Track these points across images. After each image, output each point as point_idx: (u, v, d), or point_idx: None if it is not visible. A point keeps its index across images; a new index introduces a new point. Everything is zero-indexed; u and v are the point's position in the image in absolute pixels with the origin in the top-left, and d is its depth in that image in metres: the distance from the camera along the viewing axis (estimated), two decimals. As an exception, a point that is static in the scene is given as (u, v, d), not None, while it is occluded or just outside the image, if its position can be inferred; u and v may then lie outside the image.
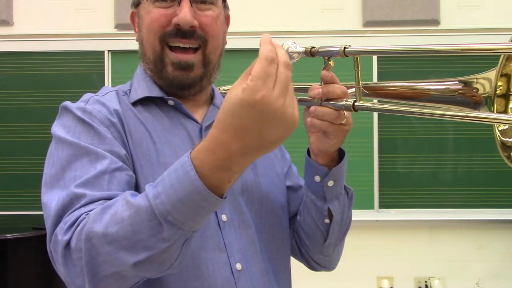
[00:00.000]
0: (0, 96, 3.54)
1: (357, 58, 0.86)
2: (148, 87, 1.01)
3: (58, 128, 0.91)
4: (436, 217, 3.44)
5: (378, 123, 3.44)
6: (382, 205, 3.48)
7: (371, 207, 3.44)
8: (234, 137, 0.66)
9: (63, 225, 0.77)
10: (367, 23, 3.49)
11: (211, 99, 1.08)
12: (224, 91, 1.16)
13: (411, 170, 3.51)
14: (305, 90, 1.04)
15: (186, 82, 0.99)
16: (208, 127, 1.00)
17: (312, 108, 0.90)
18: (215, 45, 1.01)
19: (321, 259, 1.08)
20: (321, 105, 0.90)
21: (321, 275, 3.47)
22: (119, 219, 0.72)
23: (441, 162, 3.51)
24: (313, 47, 0.89)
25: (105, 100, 0.96)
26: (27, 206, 3.42)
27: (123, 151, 0.89)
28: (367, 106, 0.86)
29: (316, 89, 0.90)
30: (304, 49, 0.90)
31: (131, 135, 0.93)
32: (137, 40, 1.05)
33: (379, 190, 3.46)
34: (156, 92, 1.00)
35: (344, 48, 0.85)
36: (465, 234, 3.48)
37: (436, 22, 3.47)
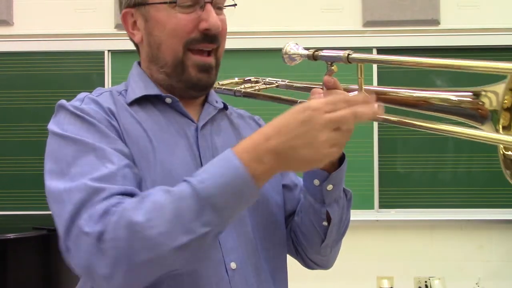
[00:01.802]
0: (0, 96, 3.55)
1: (360, 65, 0.86)
2: (146, 86, 1.01)
3: (57, 126, 0.91)
4: (436, 217, 3.44)
5: (378, 123, 3.44)
6: (382, 205, 3.48)
7: (371, 207, 3.44)
8: (275, 131, 0.76)
9: (88, 217, 0.78)
10: (367, 23, 3.49)
11: (205, 97, 1.08)
12: (224, 87, 1.16)
13: (411, 170, 3.51)
14: (307, 89, 1.03)
15: (209, 84, 1.02)
16: (204, 126, 1.01)
17: None
18: (223, 48, 1.04)
19: (318, 259, 1.08)
20: None
21: (321, 275, 3.47)
22: (161, 205, 0.76)
23: (441, 162, 3.51)
24: (316, 51, 0.89)
25: (99, 100, 0.96)
26: (27, 206, 3.42)
27: (126, 149, 0.90)
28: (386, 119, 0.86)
29: (318, 94, 0.90)
30: (307, 52, 0.90)
31: (128, 134, 0.93)
32: (138, 42, 1.03)
33: (379, 190, 3.46)
34: (153, 90, 1.01)
35: (348, 55, 0.85)
36: (465, 234, 3.49)
37: (436, 22, 3.47)
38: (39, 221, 2.77)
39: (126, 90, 1.02)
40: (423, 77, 3.39)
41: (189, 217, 0.75)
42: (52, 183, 0.86)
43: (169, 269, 0.78)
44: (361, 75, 0.87)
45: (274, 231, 1.03)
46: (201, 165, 0.96)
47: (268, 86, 1.13)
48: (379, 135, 3.47)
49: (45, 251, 2.62)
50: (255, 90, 1.11)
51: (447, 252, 3.48)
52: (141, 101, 0.99)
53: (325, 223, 1.00)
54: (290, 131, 0.75)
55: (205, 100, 1.07)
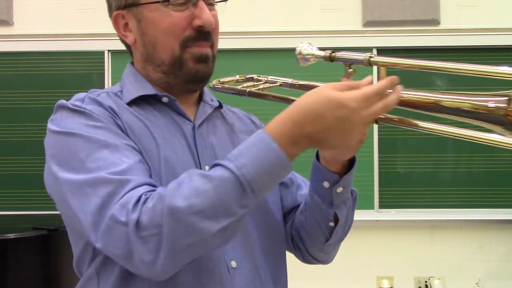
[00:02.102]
0: (0, 96, 3.55)
1: (382, 69, 0.84)
2: (141, 86, 1.01)
3: (60, 124, 0.91)
4: (436, 217, 3.44)
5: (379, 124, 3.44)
6: (382, 205, 3.48)
7: (371, 207, 3.44)
8: (310, 121, 0.78)
9: (121, 207, 0.79)
10: (367, 23, 3.49)
11: (199, 96, 1.09)
12: (226, 85, 1.15)
13: (411, 170, 3.51)
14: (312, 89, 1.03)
15: (208, 74, 1.02)
16: (200, 125, 1.02)
17: None
18: (217, 42, 1.04)
19: (319, 256, 1.08)
20: None
21: (321, 275, 3.45)
22: (202, 190, 0.77)
23: (441, 162, 3.51)
24: (333, 52, 0.89)
25: (100, 99, 0.96)
26: (27, 206, 3.42)
27: (135, 145, 0.91)
28: (390, 118, 0.85)
29: None
30: (323, 53, 0.89)
31: (132, 131, 0.94)
32: (131, 43, 1.03)
33: (379, 190, 3.46)
34: (150, 90, 1.01)
35: (369, 57, 0.84)
36: (465, 234, 3.49)
37: (436, 22, 3.47)
38: (39, 221, 2.77)
39: (121, 91, 1.02)
40: (423, 78, 3.38)
41: (230, 202, 0.78)
42: (68, 178, 0.86)
43: (208, 250, 0.83)
44: (384, 78, 0.83)
45: (273, 229, 1.03)
46: (200, 164, 0.97)
47: (271, 85, 1.12)
48: (379, 135, 3.47)
49: (45, 251, 2.62)
50: (258, 89, 1.10)
51: (447, 252, 3.48)
52: (138, 101, 0.99)
53: (331, 224, 1.00)
54: (325, 124, 0.77)
55: (200, 99, 1.07)
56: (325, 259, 1.10)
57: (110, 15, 1.05)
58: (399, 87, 0.80)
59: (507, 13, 3.46)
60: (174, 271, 0.82)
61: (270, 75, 1.13)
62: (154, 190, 0.82)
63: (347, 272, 3.40)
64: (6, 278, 2.56)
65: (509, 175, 3.46)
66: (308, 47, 0.92)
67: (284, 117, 0.80)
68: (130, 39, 1.03)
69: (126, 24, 1.03)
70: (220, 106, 1.11)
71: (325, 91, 0.79)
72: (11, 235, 2.55)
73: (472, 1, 3.48)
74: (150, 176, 0.89)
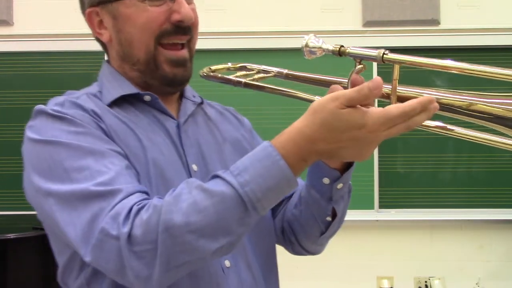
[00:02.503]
0: (0, 96, 3.55)
1: (396, 66, 0.79)
2: (121, 86, 0.97)
3: (40, 132, 0.86)
4: (436, 217, 3.44)
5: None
6: (382, 205, 3.47)
7: (371, 207, 3.44)
8: (323, 139, 0.74)
9: (111, 220, 0.75)
10: (367, 23, 3.49)
11: (180, 92, 1.06)
12: (218, 73, 1.10)
13: (411, 170, 3.51)
14: (311, 81, 0.98)
15: (187, 77, 0.99)
16: (185, 122, 0.99)
17: None
18: (196, 39, 1.00)
19: (312, 247, 1.08)
20: None
21: (320, 275, 3.45)
22: (201, 207, 0.74)
23: (441, 162, 3.51)
24: (342, 46, 0.85)
25: (80, 102, 0.92)
26: (27, 206, 3.37)
27: (121, 150, 0.88)
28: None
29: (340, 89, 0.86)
30: (332, 46, 0.86)
31: (117, 134, 0.90)
32: (106, 41, 1.00)
33: (379, 190, 3.46)
34: (131, 89, 0.97)
35: (383, 54, 0.79)
36: (465, 234, 3.48)
37: (436, 22, 3.47)
38: (39, 221, 2.77)
39: (100, 92, 0.98)
40: (424, 77, 3.38)
41: (231, 221, 0.75)
42: (54, 190, 0.82)
43: (203, 264, 0.81)
44: (396, 77, 0.81)
45: (262, 225, 1.02)
46: (187, 163, 0.95)
47: (265, 75, 1.07)
48: (379, 135, 3.46)
49: (45, 251, 2.61)
50: (253, 80, 1.05)
51: (447, 252, 3.48)
52: (119, 101, 0.96)
53: (328, 218, 0.99)
54: (339, 141, 0.74)
55: (182, 95, 1.04)
56: (317, 251, 1.09)
57: (83, 12, 1.01)
58: (433, 107, 0.73)
59: (507, 13, 3.46)
60: (170, 283, 0.79)
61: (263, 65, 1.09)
62: (146, 199, 0.79)
63: (347, 272, 3.40)
64: (6, 278, 2.56)
65: (509, 175, 3.46)
66: (314, 40, 0.90)
67: (294, 132, 0.76)
68: (105, 37, 0.99)
69: (101, 22, 0.99)
70: (202, 101, 1.08)
71: (344, 109, 0.73)
72: (11, 235, 2.55)
73: (472, 1, 3.48)
74: (139, 181, 0.86)
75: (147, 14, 0.93)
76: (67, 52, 3.52)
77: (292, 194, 1.10)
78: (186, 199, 0.75)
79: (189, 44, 0.98)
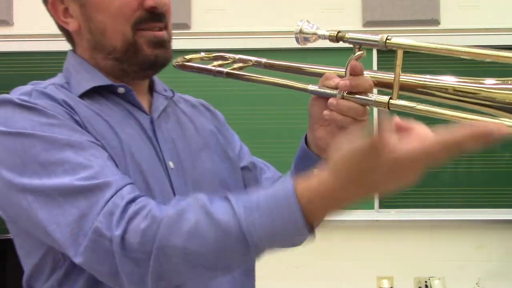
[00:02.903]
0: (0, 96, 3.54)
1: (400, 52, 0.76)
2: (93, 77, 0.92)
3: (7, 124, 0.79)
4: (436, 217, 3.44)
5: (378, 123, 3.44)
6: (382, 205, 3.47)
7: (371, 207, 3.44)
8: (354, 195, 0.66)
9: (105, 219, 0.71)
10: (367, 23, 3.49)
11: (149, 86, 1.01)
12: (195, 65, 1.05)
13: (411, 170, 3.51)
14: (291, 70, 0.95)
15: (167, 59, 0.94)
16: (158, 118, 0.95)
17: (333, 100, 0.83)
18: (170, 25, 0.96)
19: None
20: (343, 98, 0.83)
21: (320, 275, 3.45)
22: (203, 237, 0.68)
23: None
24: (340, 31, 0.81)
25: (49, 92, 0.86)
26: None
27: (99, 142, 0.82)
28: (405, 105, 0.76)
29: (343, 80, 0.82)
30: (328, 32, 0.82)
31: (92, 126, 0.84)
32: (74, 30, 0.95)
33: (379, 190, 3.46)
34: (104, 81, 0.92)
35: (386, 39, 0.76)
36: (465, 234, 3.48)
37: (436, 22, 3.47)
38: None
39: (68, 83, 0.92)
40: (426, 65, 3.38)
41: (231, 259, 0.71)
42: (31, 185, 0.75)
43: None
44: (399, 62, 0.77)
45: None
46: (164, 159, 0.91)
47: (243, 64, 1.01)
48: (379, 135, 3.46)
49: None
50: (232, 69, 1.00)
51: (447, 252, 3.48)
52: (90, 93, 0.90)
53: None
54: (373, 184, 0.65)
55: (152, 89, 1.01)
56: None
57: (45, 1, 0.96)
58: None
59: (507, 13, 3.46)
60: None
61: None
62: (140, 195, 0.75)
63: (347, 272, 3.40)
64: (6, 278, 2.56)
65: (509, 175, 3.46)
66: (308, 25, 0.85)
67: (329, 175, 0.66)
68: (72, 26, 0.94)
69: (66, 10, 0.93)
70: (173, 95, 1.05)
71: (386, 151, 0.63)
72: (11, 235, 2.55)
73: (472, 1, 3.48)
74: None
75: (118, 0, 0.89)
76: (67, 52, 3.51)
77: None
78: (188, 222, 0.69)
79: (166, 28, 0.94)
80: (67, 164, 0.75)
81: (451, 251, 3.48)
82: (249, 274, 1.01)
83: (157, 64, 0.93)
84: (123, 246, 0.70)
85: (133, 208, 0.72)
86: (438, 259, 3.46)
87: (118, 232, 0.70)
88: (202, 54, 1.09)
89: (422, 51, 0.75)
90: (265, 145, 3.24)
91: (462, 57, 0.72)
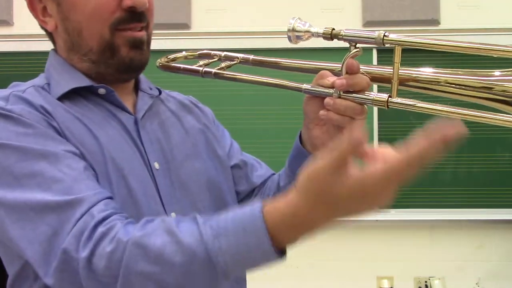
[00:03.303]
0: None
1: (398, 48, 0.73)
2: (72, 77, 0.89)
3: None
4: (436, 217, 3.44)
5: (378, 123, 3.44)
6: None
7: (371, 207, 3.44)
8: (322, 216, 0.64)
9: (74, 239, 0.70)
10: (367, 23, 3.49)
11: (135, 84, 0.99)
12: (181, 67, 1.01)
13: (411, 170, 3.51)
14: (279, 67, 0.92)
15: (144, 61, 0.91)
16: (142, 118, 0.93)
17: (329, 100, 0.81)
18: (151, 25, 0.94)
19: None
20: (340, 97, 0.81)
21: (320, 275, 3.45)
22: (169, 263, 0.67)
23: (441, 162, 3.50)
24: (334, 29, 0.78)
25: (27, 96, 0.84)
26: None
27: (76, 150, 0.80)
28: (405, 104, 0.75)
29: (339, 79, 0.80)
30: (321, 30, 0.79)
31: (71, 132, 0.82)
32: (51, 30, 0.92)
33: (379, 190, 3.46)
34: (83, 81, 0.89)
35: (384, 36, 0.73)
36: (465, 234, 3.48)
37: (436, 22, 3.47)
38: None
39: (48, 84, 0.90)
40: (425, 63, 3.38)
41: (199, 283, 0.68)
42: (3, 199, 0.73)
43: None
44: (398, 60, 0.75)
45: None
46: (148, 161, 0.89)
47: (230, 62, 0.97)
48: (379, 135, 3.46)
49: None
50: (220, 69, 0.97)
51: (447, 252, 3.47)
52: (70, 95, 0.88)
53: None
54: (341, 205, 0.62)
55: (137, 88, 0.99)
56: None
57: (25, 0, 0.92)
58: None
59: (507, 13, 3.46)
60: None
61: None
62: (112, 213, 0.73)
63: (347, 272, 3.40)
64: (6, 278, 2.55)
65: (509, 175, 3.46)
66: (300, 23, 0.83)
67: (298, 200, 0.64)
68: (50, 26, 0.91)
69: (45, 8, 0.90)
70: (159, 93, 1.03)
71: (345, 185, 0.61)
72: None
73: (472, 1, 3.48)
74: (98, 182, 0.80)
75: (95, 0, 0.86)
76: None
77: (265, 183, 1.05)
78: (154, 246, 0.68)
79: (147, 29, 0.92)
80: (40, 176, 0.74)
81: (451, 251, 3.48)
82: (242, 283, 0.99)
83: (133, 67, 0.91)
84: (89, 268, 0.69)
85: (101, 229, 0.70)
86: (438, 259, 3.46)
87: (84, 254, 0.68)
88: (185, 53, 1.06)
89: (421, 47, 0.74)
90: (265, 145, 3.24)
91: (460, 52, 0.71)
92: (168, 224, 0.69)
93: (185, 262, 0.67)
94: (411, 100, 0.76)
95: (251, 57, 0.95)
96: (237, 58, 0.97)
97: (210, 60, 0.99)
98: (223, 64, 0.97)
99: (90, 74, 0.91)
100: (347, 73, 0.79)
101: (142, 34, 0.90)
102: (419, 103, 0.75)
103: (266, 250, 0.65)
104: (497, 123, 0.70)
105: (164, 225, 0.69)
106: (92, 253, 0.68)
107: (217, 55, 0.99)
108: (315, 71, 0.88)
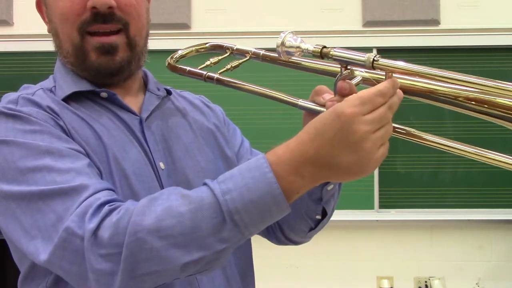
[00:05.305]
0: (0, 96, 3.54)
1: (388, 75, 0.70)
2: (75, 82, 0.90)
3: None
4: (436, 217, 3.44)
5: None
6: (382, 205, 3.47)
7: (371, 207, 3.44)
8: (311, 140, 0.67)
9: (78, 218, 0.69)
10: (367, 23, 3.49)
11: (144, 85, 0.99)
12: (187, 70, 1.01)
13: (411, 170, 3.51)
14: (290, 65, 0.90)
15: (113, 67, 0.89)
16: (147, 118, 0.93)
17: None
18: (139, 26, 0.91)
19: (299, 239, 1.03)
20: None
21: (321, 275, 3.46)
22: (176, 213, 0.67)
23: (441, 162, 3.51)
24: (325, 47, 0.76)
25: (36, 99, 0.86)
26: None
27: (81, 148, 0.81)
28: (400, 128, 0.75)
29: (331, 101, 0.79)
30: (312, 47, 0.77)
31: (76, 132, 0.83)
32: (49, 32, 0.93)
33: (379, 190, 3.46)
34: (84, 86, 0.90)
35: (374, 59, 0.70)
36: (465, 234, 3.48)
37: (436, 22, 3.47)
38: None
39: (55, 87, 0.91)
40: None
41: (206, 232, 0.67)
42: (11, 191, 0.74)
43: (172, 279, 0.72)
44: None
45: None
46: (154, 161, 0.90)
47: (240, 61, 0.96)
48: (379, 135, 3.47)
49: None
50: (228, 69, 0.95)
51: (447, 252, 3.48)
52: (76, 97, 0.89)
53: (318, 217, 0.95)
54: (327, 141, 0.66)
55: (145, 88, 0.98)
56: (303, 242, 1.04)
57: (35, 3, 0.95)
58: (400, 92, 0.70)
59: (507, 13, 3.46)
60: None
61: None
62: (117, 199, 0.73)
63: (347, 272, 3.40)
64: (6, 278, 2.56)
65: (509, 175, 3.45)
66: (292, 38, 0.79)
67: (291, 141, 0.69)
68: (48, 28, 0.93)
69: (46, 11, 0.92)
70: (169, 93, 1.02)
71: (330, 109, 0.67)
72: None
73: (472, 1, 3.48)
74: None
75: (62, 3, 0.86)
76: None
77: None
78: (161, 203, 0.69)
79: (128, 33, 0.89)
80: (45, 170, 0.75)
81: (451, 251, 3.48)
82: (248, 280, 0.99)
83: (102, 73, 0.89)
84: (95, 242, 0.68)
85: (108, 207, 0.70)
86: (438, 259, 3.46)
87: (90, 226, 0.68)
88: (196, 47, 1.04)
89: (412, 74, 0.71)
90: (265, 145, 3.23)
91: (454, 83, 0.70)
92: (175, 188, 0.72)
93: (193, 209, 0.67)
94: (405, 125, 0.78)
95: (262, 52, 0.93)
96: (248, 52, 0.95)
97: (220, 57, 0.98)
98: (233, 64, 0.96)
99: (86, 76, 0.91)
100: (339, 95, 0.78)
101: (113, 39, 0.87)
102: (413, 130, 0.78)
103: (268, 178, 0.67)
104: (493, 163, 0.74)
105: (169, 190, 0.72)
106: (98, 226, 0.68)
107: (229, 48, 0.98)
108: (324, 72, 0.87)
